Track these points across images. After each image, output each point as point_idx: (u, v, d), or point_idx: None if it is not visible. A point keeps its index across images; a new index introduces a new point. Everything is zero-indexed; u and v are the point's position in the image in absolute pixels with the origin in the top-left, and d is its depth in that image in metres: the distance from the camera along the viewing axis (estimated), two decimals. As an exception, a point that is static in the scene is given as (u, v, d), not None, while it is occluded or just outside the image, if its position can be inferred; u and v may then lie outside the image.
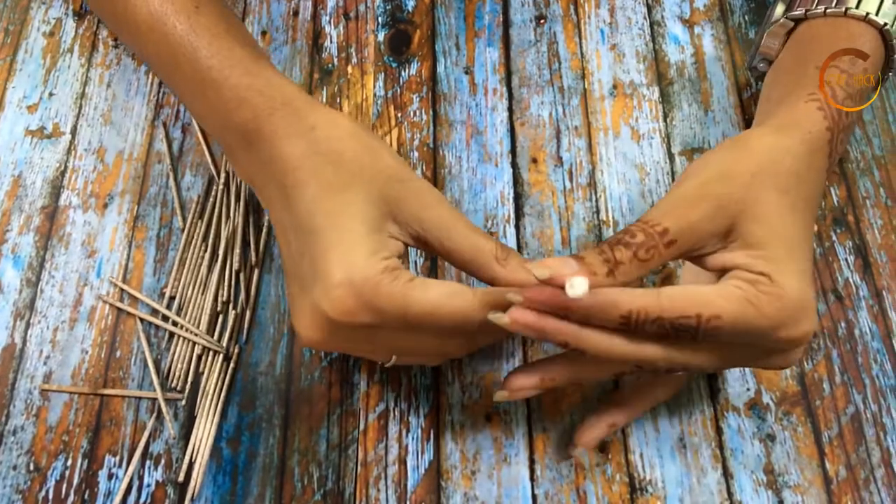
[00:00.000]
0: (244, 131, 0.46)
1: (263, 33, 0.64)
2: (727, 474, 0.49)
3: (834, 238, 0.56)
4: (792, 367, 0.52)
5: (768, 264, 0.40)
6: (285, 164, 0.44)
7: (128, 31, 0.52)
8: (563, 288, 0.38)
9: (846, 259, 0.55)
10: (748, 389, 0.51)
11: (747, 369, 0.52)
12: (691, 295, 0.39)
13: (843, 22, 0.51)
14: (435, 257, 0.55)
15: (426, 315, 0.40)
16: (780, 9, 0.54)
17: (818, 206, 0.46)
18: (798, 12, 0.52)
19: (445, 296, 0.41)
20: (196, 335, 0.53)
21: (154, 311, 0.54)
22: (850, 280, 0.55)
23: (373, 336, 0.42)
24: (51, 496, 0.49)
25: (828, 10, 0.51)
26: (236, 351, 0.53)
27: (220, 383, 0.52)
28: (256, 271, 0.55)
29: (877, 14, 0.50)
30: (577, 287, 0.37)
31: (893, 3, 0.50)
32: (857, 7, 0.50)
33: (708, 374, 0.52)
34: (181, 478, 0.49)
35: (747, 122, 0.60)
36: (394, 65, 0.63)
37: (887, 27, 0.50)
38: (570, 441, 0.49)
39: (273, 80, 0.47)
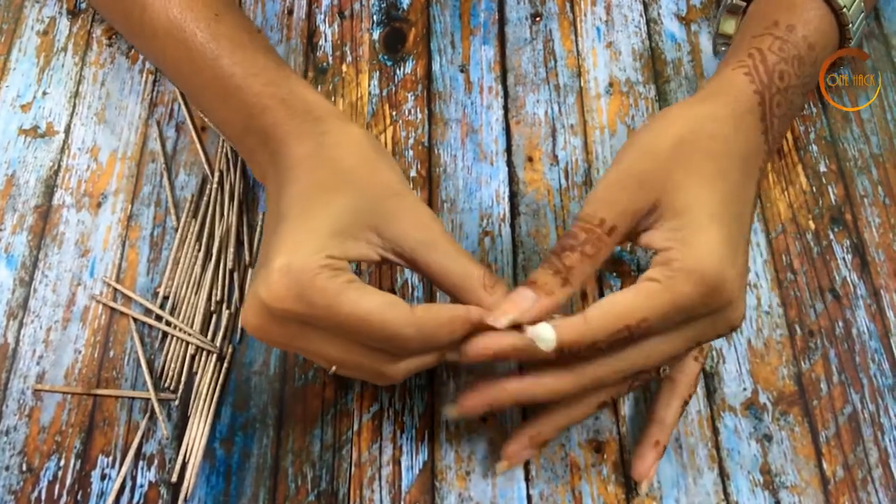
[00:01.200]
0: (265, 136, 0.47)
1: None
2: (723, 475, 0.49)
3: (831, 237, 0.56)
4: (789, 367, 0.52)
5: (680, 234, 0.41)
6: (289, 161, 0.45)
7: (144, 36, 0.53)
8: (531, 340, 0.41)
9: (844, 258, 0.55)
10: (745, 389, 0.51)
11: (744, 369, 0.51)
12: (614, 309, 0.40)
13: None
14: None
15: (356, 319, 0.40)
16: None
17: (757, 170, 0.46)
18: None
19: (380, 305, 0.40)
20: (189, 335, 0.53)
21: (147, 311, 0.54)
22: (848, 279, 0.54)
23: (306, 334, 0.42)
24: (43, 497, 0.49)
25: None
26: (230, 351, 0.53)
27: (213, 383, 0.52)
28: (250, 271, 0.55)
29: None
30: (545, 335, 0.40)
31: None
32: None
33: (704, 374, 0.51)
34: (174, 478, 0.49)
35: (744, 120, 0.60)
36: (389, 63, 0.63)
37: None
38: (588, 448, 0.49)
39: (296, 90, 0.48)
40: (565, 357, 0.41)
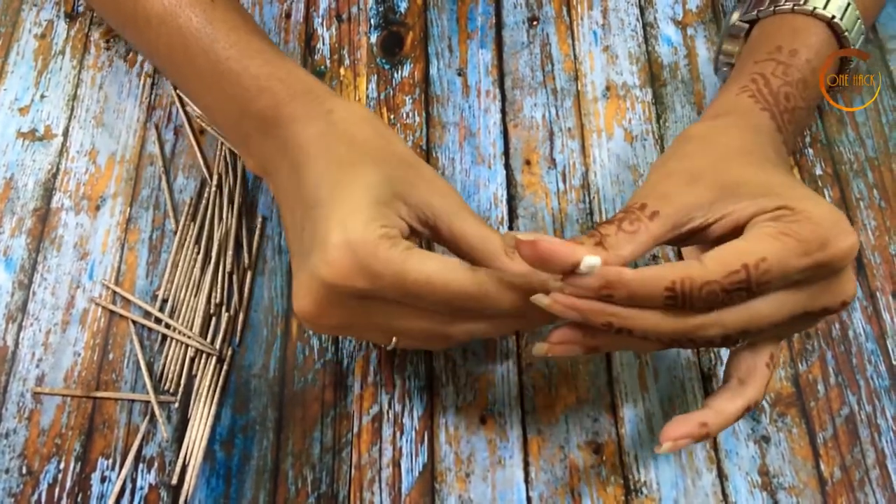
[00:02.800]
0: (263, 118, 0.47)
1: (256, 35, 0.64)
2: (722, 476, 0.49)
3: (827, 239, 0.56)
4: (786, 368, 0.52)
5: (780, 199, 0.39)
6: (300, 143, 0.45)
7: (136, 25, 0.52)
8: (562, 266, 0.38)
9: (839, 260, 0.55)
10: (742, 390, 0.51)
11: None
12: (731, 250, 0.38)
13: (790, 18, 0.51)
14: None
15: (423, 284, 0.40)
16: (736, 14, 0.55)
17: (793, 172, 0.46)
18: (751, 14, 0.53)
19: (444, 267, 0.40)
20: (189, 337, 0.53)
21: (147, 314, 0.54)
22: (844, 281, 0.55)
23: (368, 310, 0.42)
24: (43, 499, 0.49)
25: (776, 9, 0.52)
26: (229, 353, 0.53)
27: (213, 386, 0.52)
28: (249, 273, 0.55)
29: (824, 8, 0.50)
30: (589, 262, 0.37)
31: None
32: (804, 3, 0.51)
33: (702, 376, 0.52)
34: (174, 481, 0.49)
35: (740, 124, 0.60)
36: (386, 67, 0.63)
37: (835, 20, 0.50)
38: (586, 449, 0.49)
39: (293, 70, 0.48)
40: (678, 308, 0.38)
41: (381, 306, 0.42)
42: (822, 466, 0.49)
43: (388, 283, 0.40)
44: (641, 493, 0.49)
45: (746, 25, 0.54)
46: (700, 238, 0.42)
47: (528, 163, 0.59)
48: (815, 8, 0.50)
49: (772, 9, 0.52)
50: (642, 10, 0.65)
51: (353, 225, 0.40)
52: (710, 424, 0.42)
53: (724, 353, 0.52)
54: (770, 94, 0.47)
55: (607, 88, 0.62)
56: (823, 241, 0.38)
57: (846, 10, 0.51)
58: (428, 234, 0.45)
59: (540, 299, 0.39)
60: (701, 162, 0.43)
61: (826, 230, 0.38)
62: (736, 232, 0.41)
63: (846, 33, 0.51)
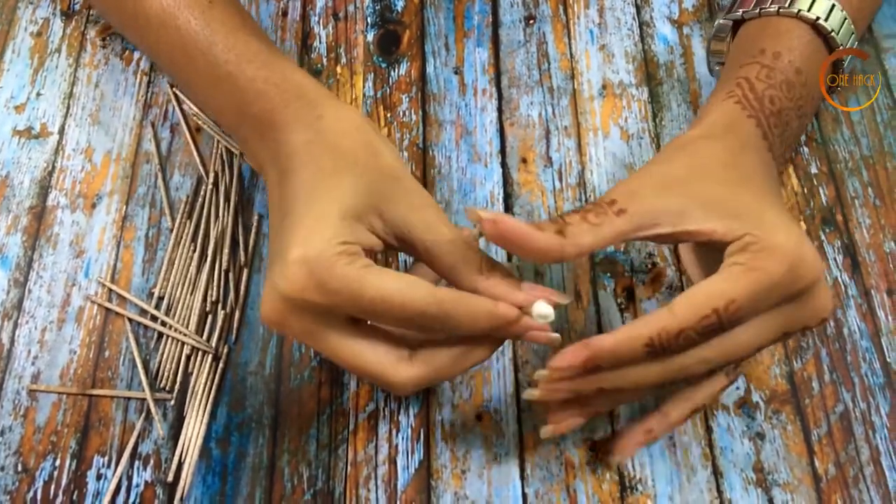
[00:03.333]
0: (259, 122, 0.47)
1: (253, 33, 0.64)
2: (717, 473, 0.49)
3: (823, 238, 0.56)
4: (781, 366, 0.52)
5: (747, 225, 0.40)
6: (288, 150, 0.45)
7: (137, 26, 0.52)
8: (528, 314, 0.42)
9: (835, 258, 0.55)
10: (737, 388, 0.52)
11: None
12: (700, 295, 0.40)
13: (775, 20, 0.52)
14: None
15: (380, 301, 0.40)
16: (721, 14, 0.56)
17: (776, 184, 0.46)
18: (736, 14, 0.53)
19: (402, 285, 0.40)
20: (185, 335, 0.53)
21: (143, 312, 0.54)
22: (839, 279, 0.55)
23: (323, 330, 0.42)
24: (39, 497, 0.49)
25: (762, 11, 0.52)
26: (225, 351, 0.53)
27: (209, 383, 0.52)
28: (246, 271, 0.55)
29: (809, 10, 0.51)
30: (539, 312, 0.41)
31: None
32: (788, 5, 0.51)
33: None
34: (170, 478, 0.49)
35: (736, 122, 0.60)
36: (383, 65, 0.63)
37: (819, 20, 0.50)
38: (582, 446, 0.49)
39: (288, 73, 0.48)
40: (657, 354, 0.40)
41: (335, 327, 0.42)
42: (817, 463, 0.50)
43: (344, 300, 0.40)
44: (637, 489, 0.49)
45: (730, 23, 0.54)
46: (675, 241, 0.44)
47: (524, 161, 0.59)
48: (799, 10, 0.51)
49: (757, 11, 0.52)
50: (638, 9, 0.66)
51: (313, 240, 0.40)
52: (654, 430, 0.46)
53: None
54: (755, 99, 0.47)
55: (603, 87, 0.62)
56: (789, 271, 0.39)
57: (831, 10, 0.51)
58: (404, 250, 0.45)
59: (530, 395, 0.43)
60: (680, 171, 0.44)
61: (793, 258, 0.39)
62: (710, 246, 0.42)
63: (832, 34, 0.51)
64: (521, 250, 0.40)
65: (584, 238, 0.40)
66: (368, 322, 0.43)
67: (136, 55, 0.63)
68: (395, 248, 0.45)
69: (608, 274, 0.55)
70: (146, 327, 0.54)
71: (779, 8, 0.51)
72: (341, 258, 0.40)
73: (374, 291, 0.40)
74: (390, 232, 0.43)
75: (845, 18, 0.51)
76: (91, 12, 0.65)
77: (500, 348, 0.52)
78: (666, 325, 0.39)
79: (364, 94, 0.62)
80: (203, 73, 0.50)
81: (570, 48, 0.64)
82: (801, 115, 0.49)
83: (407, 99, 0.62)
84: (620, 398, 0.45)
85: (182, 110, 0.61)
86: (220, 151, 0.59)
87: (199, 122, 0.60)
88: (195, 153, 0.59)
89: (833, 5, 0.51)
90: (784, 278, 0.39)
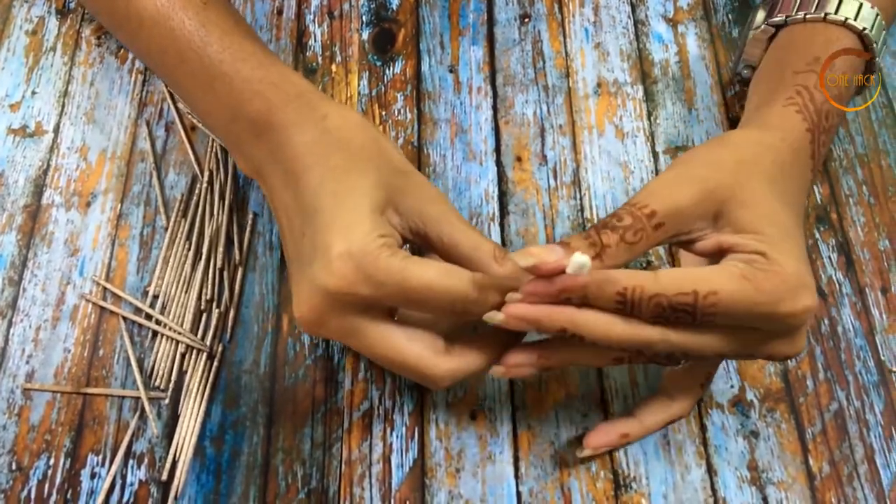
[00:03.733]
0: (255, 122, 0.47)
1: (248, 32, 0.64)
2: (711, 471, 0.49)
3: (817, 235, 0.56)
4: (776, 364, 0.52)
5: (762, 244, 0.40)
6: (295, 150, 0.45)
7: (129, 27, 0.52)
8: (550, 276, 0.39)
9: (829, 256, 0.55)
10: (732, 387, 0.52)
11: (731, 367, 0.52)
12: (688, 273, 0.40)
13: (822, 27, 0.51)
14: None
15: (425, 289, 0.41)
16: (760, 15, 0.55)
17: (805, 206, 0.46)
18: (779, 18, 0.53)
19: (444, 272, 0.41)
20: (179, 334, 0.53)
21: (137, 310, 0.54)
22: (833, 277, 0.55)
23: (369, 322, 0.43)
24: (33, 495, 0.49)
25: (807, 16, 0.51)
26: (220, 349, 0.53)
27: (203, 382, 0.52)
28: (240, 269, 0.55)
29: (855, 19, 0.50)
30: (577, 262, 0.38)
31: (872, 7, 0.50)
32: (836, 12, 0.50)
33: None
34: (164, 476, 0.49)
35: (731, 121, 0.60)
36: (378, 63, 0.63)
37: (866, 31, 0.50)
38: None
39: (285, 74, 0.49)
40: (626, 311, 0.40)
41: (374, 324, 0.43)
42: (811, 461, 0.50)
43: (391, 291, 0.41)
44: (631, 488, 0.49)
45: (773, 30, 0.54)
46: (682, 243, 0.43)
47: (519, 159, 0.59)
48: (846, 18, 0.50)
49: (801, 15, 0.52)
50: (634, 8, 0.66)
51: (355, 234, 0.41)
52: (631, 435, 0.47)
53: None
54: (815, 112, 0.47)
55: (598, 85, 0.62)
56: (781, 298, 0.39)
57: (875, 21, 0.50)
58: (418, 242, 0.45)
59: (492, 317, 0.42)
60: (725, 177, 0.42)
61: (788, 288, 0.39)
62: (715, 253, 0.42)
63: (875, 45, 0.51)
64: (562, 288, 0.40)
65: (621, 259, 0.41)
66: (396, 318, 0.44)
67: (132, 54, 0.63)
68: (410, 242, 0.45)
69: (603, 272, 0.55)
70: (141, 326, 0.54)
71: (825, 14, 0.51)
72: (383, 250, 0.41)
73: (419, 280, 0.41)
74: (405, 225, 0.44)
75: (884, 29, 0.51)
76: (86, 11, 0.65)
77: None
78: (644, 284, 0.39)
79: (359, 93, 0.62)
80: (197, 74, 0.50)
81: (565, 46, 0.64)
82: (839, 123, 0.50)
83: (402, 97, 0.62)
84: (578, 356, 0.44)
85: (177, 108, 0.61)
86: (215, 150, 0.59)
87: (194, 121, 0.60)
88: (190, 151, 0.59)
89: (877, 15, 0.51)
90: (771, 305, 0.39)
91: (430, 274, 0.41)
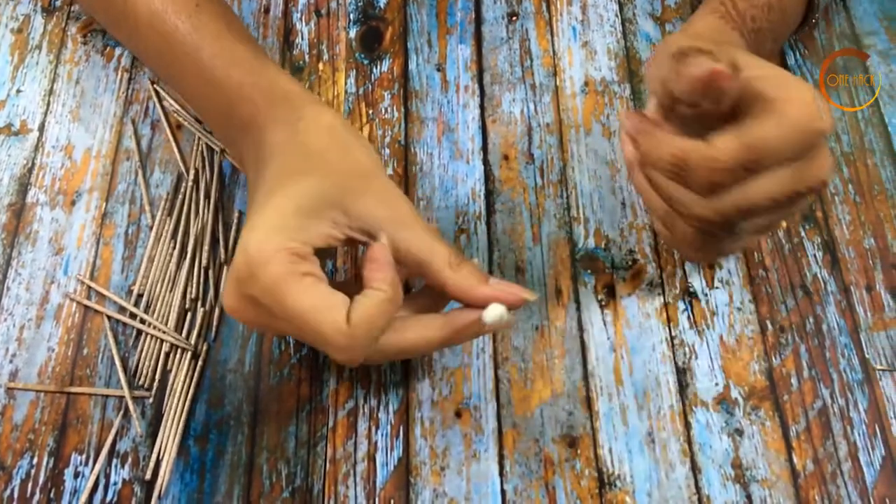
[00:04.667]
0: (245, 123, 0.49)
1: (234, 30, 0.64)
2: (695, 469, 0.49)
3: (802, 234, 0.56)
4: (760, 362, 0.52)
5: (769, 78, 0.40)
6: (266, 149, 0.47)
7: (126, 28, 0.53)
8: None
9: (814, 255, 0.55)
10: (716, 384, 0.52)
11: (716, 365, 0.52)
12: (733, 133, 0.40)
13: None
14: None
15: (294, 313, 0.41)
16: None
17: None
18: None
19: (318, 306, 0.41)
20: (164, 332, 0.53)
21: (122, 309, 0.54)
22: (819, 275, 0.55)
23: (270, 316, 0.43)
24: (16, 495, 0.49)
25: None
26: (205, 348, 0.53)
27: (188, 381, 0.52)
28: (225, 268, 0.55)
29: None
30: (492, 316, 0.43)
31: None
32: None
33: (677, 370, 0.52)
34: (148, 476, 0.49)
35: (717, 119, 0.60)
36: (365, 62, 0.63)
37: None
38: (562, 443, 0.49)
39: (274, 78, 0.50)
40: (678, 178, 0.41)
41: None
42: (795, 459, 0.50)
43: (270, 300, 0.41)
44: (615, 486, 0.49)
45: None
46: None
47: (506, 158, 0.59)
48: None
49: None
50: (621, 6, 0.66)
51: (257, 233, 0.41)
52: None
53: (699, 346, 0.52)
54: (738, 16, 0.49)
55: (586, 84, 0.62)
56: (805, 117, 0.39)
57: None
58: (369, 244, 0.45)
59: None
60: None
61: (807, 100, 0.39)
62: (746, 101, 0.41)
63: None
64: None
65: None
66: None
67: (118, 52, 0.63)
68: (362, 243, 0.45)
69: (589, 270, 0.55)
70: (125, 325, 0.53)
71: None
72: (279, 255, 0.40)
73: (292, 301, 0.40)
74: (356, 227, 0.44)
75: None
76: (72, 8, 0.65)
77: (481, 346, 0.52)
78: (701, 148, 0.39)
79: (346, 91, 0.62)
80: (192, 76, 0.51)
81: (553, 45, 0.64)
82: (775, 38, 0.52)
83: (389, 96, 0.62)
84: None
85: (163, 107, 0.61)
86: (200, 148, 0.59)
87: (180, 119, 0.60)
88: (175, 150, 0.59)
89: None
90: (803, 127, 0.39)
91: (306, 302, 0.40)
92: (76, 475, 0.49)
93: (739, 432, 0.50)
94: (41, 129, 0.60)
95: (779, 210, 0.42)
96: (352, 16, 0.65)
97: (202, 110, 0.53)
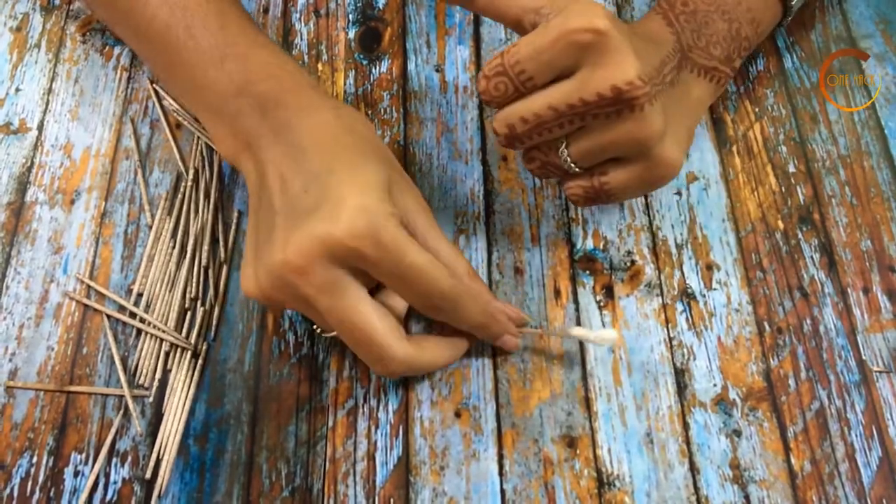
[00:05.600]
0: (264, 99, 0.49)
1: (233, 30, 0.64)
2: (694, 469, 0.50)
3: (800, 236, 0.56)
4: (758, 363, 0.52)
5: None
6: (305, 129, 0.47)
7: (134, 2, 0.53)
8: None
9: (812, 257, 0.56)
10: (714, 385, 0.52)
11: (714, 366, 0.52)
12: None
13: None
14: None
15: (416, 269, 0.43)
16: None
17: (665, 50, 0.51)
18: None
19: (434, 261, 0.44)
20: (164, 332, 0.53)
21: (121, 308, 0.54)
22: (816, 277, 0.55)
23: (349, 283, 0.44)
24: (16, 494, 0.49)
25: None
26: (204, 347, 0.53)
27: (187, 380, 0.52)
28: (225, 267, 0.55)
29: None
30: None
31: None
32: None
33: (675, 371, 0.52)
34: (148, 475, 0.49)
35: (716, 123, 0.60)
36: (364, 62, 0.63)
37: None
38: (561, 443, 0.49)
39: (298, 68, 0.52)
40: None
41: (361, 285, 0.45)
42: (793, 460, 0.50)
43: (388, 257, 0.42)
44: (614, 486, 0.49)
45: None
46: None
47: (504, 159, 0.59)
48: None
49: None
50: (619, 9, 0.66)
51: (372, 195, 0.43)
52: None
53: (697, 347, 0.53)
54: (675, 18, 0.53)
55: (584, 85, 0.62)
56: (562, 21, 0.42)
57: None
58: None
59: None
60: None
61: (569, 14, 0.42)
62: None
63: None
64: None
65: None
66: None
67: (117, 51, 0.63)
68: None
69: (587, 272, 0.55)
70: (125, 324, 0.53)
71: None
72: (392, 219, 0.43)
73: (414, 258, 0.43)
74: (399, 216, 0.45)
75: None
76: (71, 7, 0.65)
77: (481, 347, 0.53)
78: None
79: (345, 91, 0.62)
80: (204, 51, 0.51)
81: (551, 46, 0.64)
82: (729, 18, 0.53)
83: (388, 96, 0.62)
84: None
85: (162, 106, 0.61)
86: (200, 148, 0.59)
87: (179, 119, 0.60)
88: (175, 149, 0.59)
89: None
90: (558, 28, 0.41)
91: (424, 257, 0.43)
92: (76, 474, 0.49)
93: (737, 433, 0.51)
94: (40, 127, 0.60)
95: (571, 124, 0.45)
96: (351, 16, 0.65)
97: (205, 85, 0.51)
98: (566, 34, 0.41)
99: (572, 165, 0.47)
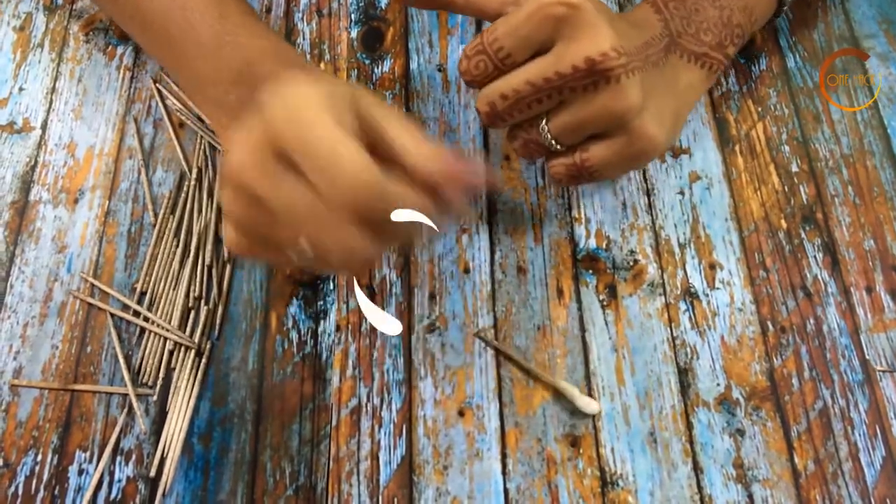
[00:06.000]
0: (263, 80, 0.48)
1: (237, 29, 0.64)
2: (697, 468, 0.50)
3: (803, 235, 0.57)
4: (762, 363, 0.52)
5: None
6: (291, 87, 0.42)
7: None
8: None
9: (815, 256, 0.56)
10: (718, 385, 0.52)
11: (717, 365, 0.52)
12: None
13: None
14: (407, 256, 0.56)
15: (323, 145, 0.37)
16: None
17: (649, 34, 0.51)
18: None
19: (349, 143, 0.38)
20: (167, 330, 0.53)
21: (125, 307, 0.54)
22: (819, 277, 0.55)
23: (286, 183, 0.39)
24: (20, 492, 0.49)
25: None
26: (208, 346, 0.53)
27: (191, 379, 0.52)
28: (229, 266, 0.55)
29: None
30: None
31: None
32: None
33: (678, 370, 0.52)
34: (152, 473, 0.49)
35: (719, 122, 0.60)
36: (367, 62, 0.63)
37: None
38: (564, 442, 0.49)
39: (301, 56, 0.54)
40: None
41: (296, 184, 0.39)
42: (796, 459, 0.50)
43: (298, 131, 0.38)
44: (618, 485, 0.49)
45: None
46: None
47: (507, 158, 0.59)
48: None
49: None
50: (621, 7, 0.66)
51: (308, 87, 0.39)
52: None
53: (700, 347, 0.53)
54: (663, 5, 0.53)
55: (587, 85, 0.62)
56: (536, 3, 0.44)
57: None
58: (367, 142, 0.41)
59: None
60: None
61: None
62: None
63: None
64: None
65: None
66: None
67: (120, 50, 0.63)
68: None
69: (590, 271, 0.55)
70: (128, 322, 0.54)
71: None
72: (322, 99, 0.39)
73: (322, 132, 0.38)
74: (358, 127, 0.40)
75: None
76: (74, 6, 0.65)
77: (483, 345, 0.53)
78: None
79: (348, 91, 0.62)
80: (203, 41, 0.51)
81: (554, 46, 0.64)
82: (720, 6, 0.53)
83: (390, 96, 0.62)
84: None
85: (165, 106, 0.61)
86: (203, 147, 0.59)
87: (182, 118, 0.60)
88: (178, 148, 0.59)
89: None
90: (532, 7, 0.44)
91: (336, 134, 0.37)
92: (80, 472, 0.49)
93: (741, 432, 0.51)
94: (44, 127, 0.60)
95: (550, 99, 0.46)
96: (353, 16, 0.65)
97: (204, 72, 0.50)
98: (540, 8, 0.43)
99: (553, 143, 0.48)
